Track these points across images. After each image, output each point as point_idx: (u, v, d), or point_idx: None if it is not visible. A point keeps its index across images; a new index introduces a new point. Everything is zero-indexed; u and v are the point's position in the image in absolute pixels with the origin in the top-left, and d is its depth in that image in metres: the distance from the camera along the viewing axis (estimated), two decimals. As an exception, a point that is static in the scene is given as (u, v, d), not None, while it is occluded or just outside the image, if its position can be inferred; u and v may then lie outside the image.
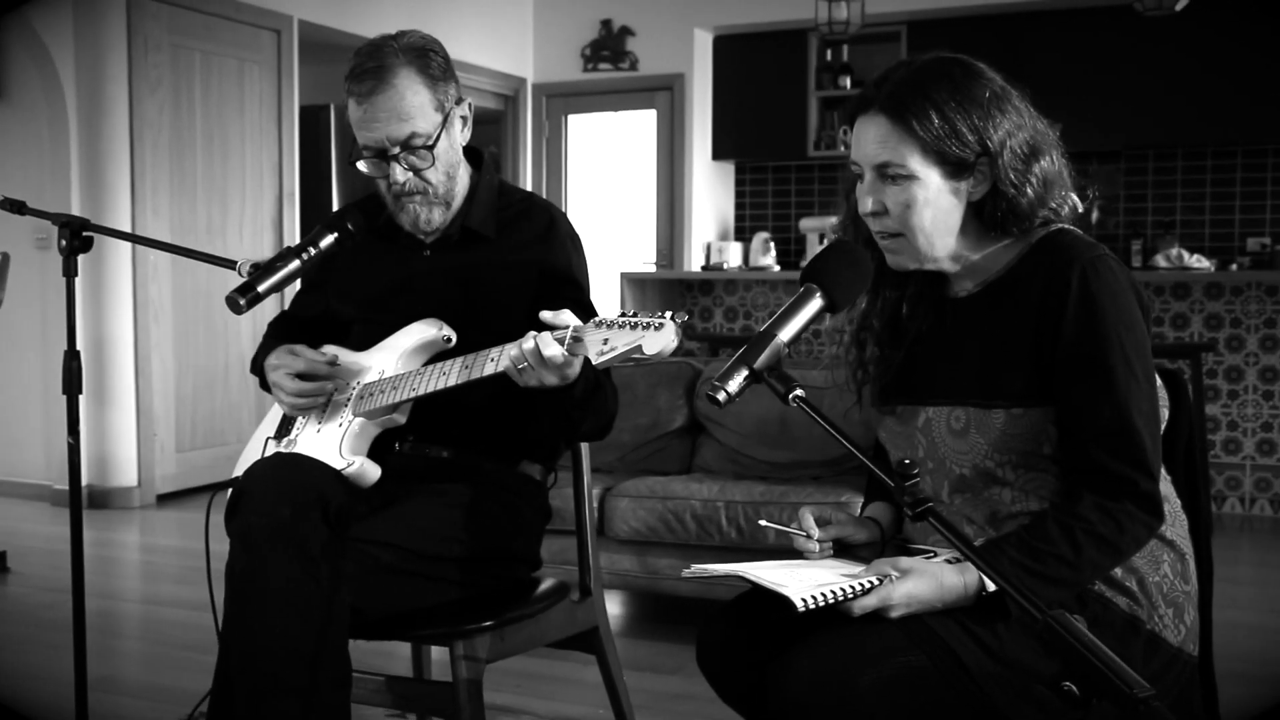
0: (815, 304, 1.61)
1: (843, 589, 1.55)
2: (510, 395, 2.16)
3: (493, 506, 2.18)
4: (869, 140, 1.68)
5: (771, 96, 7.98)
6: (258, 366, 2.34)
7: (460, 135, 2.20)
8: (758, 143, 8.11)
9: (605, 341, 1.82)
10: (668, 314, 1.77)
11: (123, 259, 5.73)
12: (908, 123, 1.64)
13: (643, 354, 1.77)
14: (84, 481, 5.70)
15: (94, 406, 5.70)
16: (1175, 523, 1.72)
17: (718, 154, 8.16)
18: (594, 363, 1.82)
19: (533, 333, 1.88)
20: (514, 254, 2.22)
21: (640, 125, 8.29)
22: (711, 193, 8.23)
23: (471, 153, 2.29)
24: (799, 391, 1.55)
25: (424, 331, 2.17)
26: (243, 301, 1.95)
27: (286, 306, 2.57)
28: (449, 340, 2.16)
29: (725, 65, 8.12)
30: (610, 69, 8.16)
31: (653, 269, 7.91)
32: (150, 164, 5.80)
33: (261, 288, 1.96)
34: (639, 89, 8.15)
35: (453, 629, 2.04)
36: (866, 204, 1.71)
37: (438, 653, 2.66)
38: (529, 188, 8.43)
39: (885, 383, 1.83)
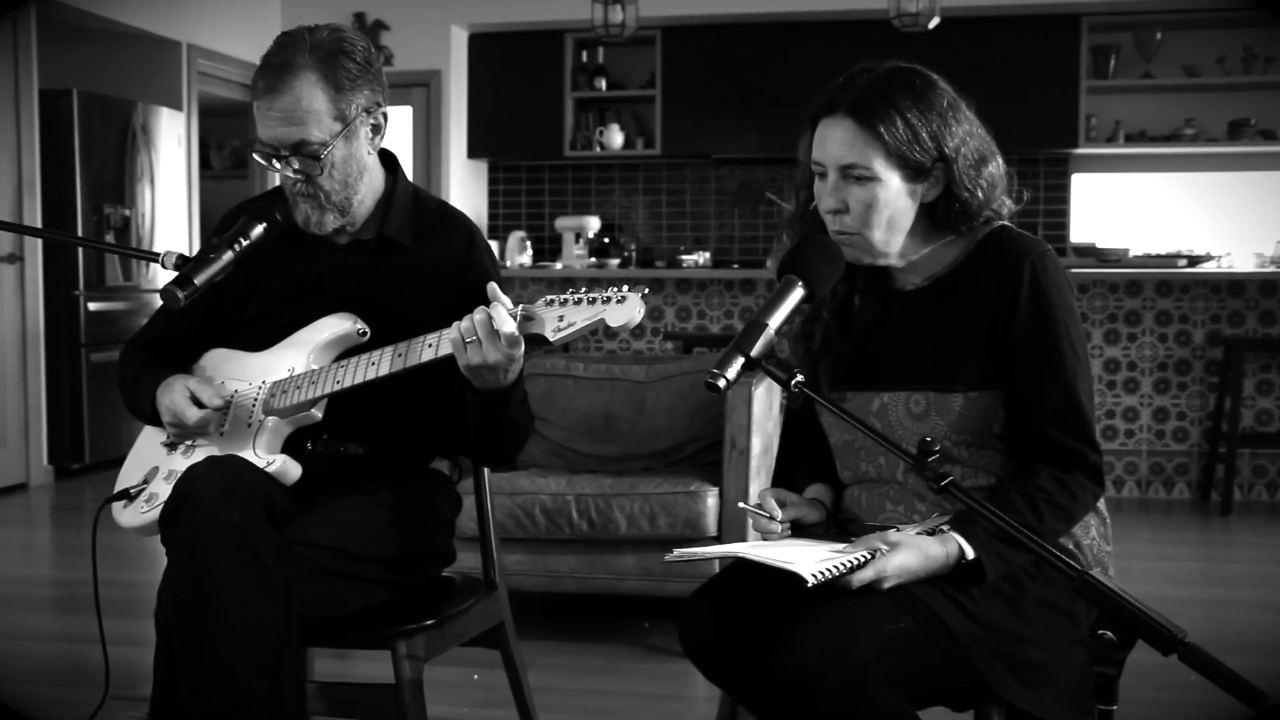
0: (797, 293, 1.70)
1: (843, 563, 1.64)
2: (425, 390, 2.14)
3: (416, 504, 2.16)
4: (835, 142, 1.78)
5: (527, 96, 8.03)
6: (138, 394, 2.18)
7: (368, 142, 2.13)
8: (513, 142, 8.14)
9: (561, 319, 1.84)
10: (624, 287, 1.82)
11: None
12: (874, 127, 1.75)
13: (608, 327, 1.81)
14: None
15: None
16: (1098, 491, 1.91)
17: (473, 152, 8.14)
18: (551, 340, 1.84)
19: (483, 306, 1.88)
20: (432, 263, 2.18)
21: (395, 121, 8.14)
22: (466, 191, 8.19)
23: (385, 157, 2.24)
24: (800, 377, 1.64)
25: (338, 326, 2.11)
26: (182, 295, 1.86)
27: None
28: (364, 334, 2.11)
29: (481, 63, 8.10)
30: (364, 63, 7.97)
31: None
32: (-126, 149, 5.26)
33: (199, 280, 1.88)
34: (393, 85, 7.89)
35: (395, 629, 2.00)
36: (829, 202, 1.80)
37: (322, 661, 2.58)
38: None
39: (837, 372, 1.93)
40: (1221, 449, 5.62)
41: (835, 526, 1.96)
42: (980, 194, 1.80)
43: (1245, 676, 1.26)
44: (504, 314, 1.85)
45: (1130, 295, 5.80)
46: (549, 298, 1.87)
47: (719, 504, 3.31)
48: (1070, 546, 1.82)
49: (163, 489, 2.10)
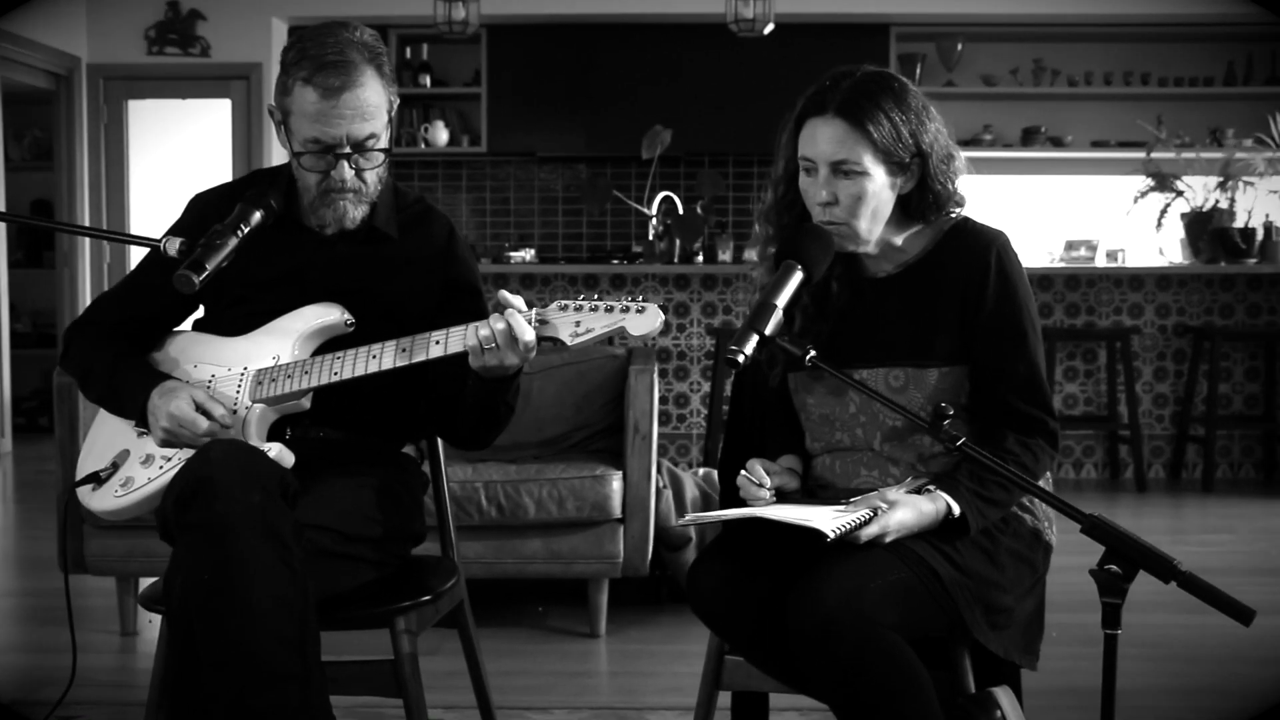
0: (797, 276, 1.88)
1: (853, 520, 1.81)
2: (405, 378, 2.20)
3: (396, 487, 2.21)
4: (826, 139, 1.95)
5: (349, 91, 7.91)
6: (116, 390, 2.16)
7: None
8: (335, 137, 8.03)
9: (578, 324, 1.94)
10: (640, 297, 1.95)
11: None
12: (864, 126, 1.93)
13: (627, 335, 1.92)
14: None
15: None
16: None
17: (294, 147, 7.99)
18: (569, 345, 1.94)
19: (497, 314, 1.96)
20: (416, 255, 2.22)
21: (215, 115, 7.93)
22: (286, 187, 8.04)
23: None
24: (813, 352, 1.80)
25: (325, 315, 2.13)
26: (197, 280, 1.88)
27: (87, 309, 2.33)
28: (350, 325, 2.13)
29: (302, 57, 7.96)
30: (179, 54, 7.73)
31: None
32: None
33: (210, 265, 1.91)
34: (212, 77, 7.79)
35: (394, 606, 2.06)
36: (822, 195, 1.96)
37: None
38: (84, 176, 7.80)
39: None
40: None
41: (805, 492, 2.13)
42: (950, 185, 2.00)
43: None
44: (523, 323, 1.93)
45: (949, 289, 6.21)
46: (562, 302, 1.96)
47: (623, 486, 3.44)
48: (1029, 504, 2.04)
49: (139, 472, 2.09)
